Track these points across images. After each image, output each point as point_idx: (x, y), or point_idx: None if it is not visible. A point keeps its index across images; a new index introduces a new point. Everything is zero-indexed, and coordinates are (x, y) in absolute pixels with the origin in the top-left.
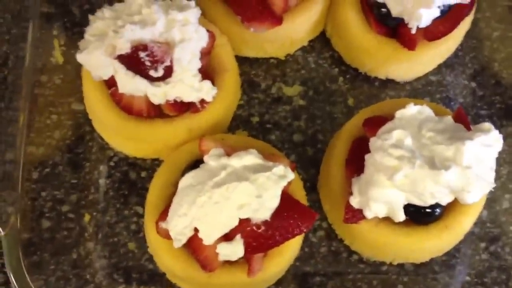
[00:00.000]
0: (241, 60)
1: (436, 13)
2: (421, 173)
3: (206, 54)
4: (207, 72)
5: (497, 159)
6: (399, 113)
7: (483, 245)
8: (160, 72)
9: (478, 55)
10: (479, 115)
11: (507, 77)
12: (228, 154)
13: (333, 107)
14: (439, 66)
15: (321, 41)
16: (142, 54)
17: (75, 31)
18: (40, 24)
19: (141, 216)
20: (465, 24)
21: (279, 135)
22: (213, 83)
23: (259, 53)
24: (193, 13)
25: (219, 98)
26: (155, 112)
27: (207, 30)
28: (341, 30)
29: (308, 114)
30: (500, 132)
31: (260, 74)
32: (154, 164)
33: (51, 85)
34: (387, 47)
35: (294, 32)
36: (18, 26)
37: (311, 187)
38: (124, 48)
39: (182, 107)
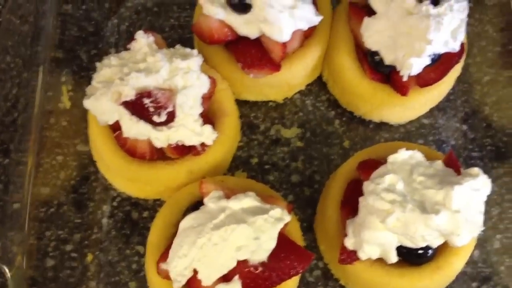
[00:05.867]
0: (241, 103)
1: (427, 61)
2: (412, 216)
3: (208, 99)
4: (208, 116)
5: (488, 200)
6: (391, 158)
7: (475, 285)
8: (163, 118)
9: (469, 98)
10: (471, 157)
11: (498, 120)
12: (228, 196)
13: (330, 148)
14: (432, 110)
15: (318, 85)
16: (146, 101)
17: (83, 75)
18: (50, 69)
19: (143, 255)
20: (456, 70)
21: (277, 176)
22: (214, 127)
23: (259, 97)
24: (195, 61)
25: (219, 141)
26: (158, 155)
27: (209, 76)
28: (337, 75)
29: (306, 155)
30: (491, 174)
31: (259, 116)
32: (156, 204)
33: (57, 127)
34: (380, 93)
35: (292, 77)
36: (29, 71)
37: (307, 227)
38: (130, 95)
39: (184, 150)
